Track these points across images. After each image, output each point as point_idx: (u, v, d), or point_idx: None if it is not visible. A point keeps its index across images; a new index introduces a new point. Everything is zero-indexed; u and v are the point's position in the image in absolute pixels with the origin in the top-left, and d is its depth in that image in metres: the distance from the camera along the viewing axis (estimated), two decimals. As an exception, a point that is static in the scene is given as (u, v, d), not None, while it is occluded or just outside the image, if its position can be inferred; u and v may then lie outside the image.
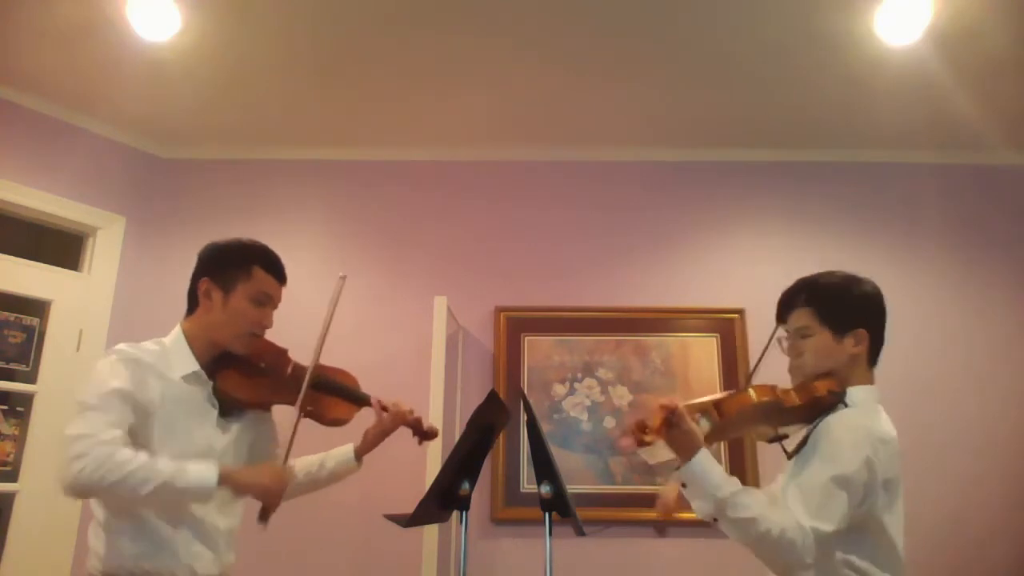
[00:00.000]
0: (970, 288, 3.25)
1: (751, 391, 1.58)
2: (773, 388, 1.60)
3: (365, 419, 2.00)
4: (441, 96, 3.05)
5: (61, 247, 3.16)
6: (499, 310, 3.23)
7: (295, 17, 2.58)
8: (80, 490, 1.54)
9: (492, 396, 1.66)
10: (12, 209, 2.98)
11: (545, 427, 2.98)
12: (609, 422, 3.10)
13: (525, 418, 2.07)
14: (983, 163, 3.39)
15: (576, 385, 3.15)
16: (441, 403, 2.68)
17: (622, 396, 3.13)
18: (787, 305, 1.72)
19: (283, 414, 1.89)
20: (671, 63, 2.81)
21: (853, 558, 1.48)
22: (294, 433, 1.80)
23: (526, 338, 3.20)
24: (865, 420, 1.55)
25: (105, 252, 3.18)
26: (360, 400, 1.97)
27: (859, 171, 3.41)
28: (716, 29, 2.62)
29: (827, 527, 1.42)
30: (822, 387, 1.59)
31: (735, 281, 3.26)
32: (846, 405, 1.60)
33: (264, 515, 1.71)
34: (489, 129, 3.32)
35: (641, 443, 1.48)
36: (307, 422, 1.88)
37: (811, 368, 1.64)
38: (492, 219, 3.39)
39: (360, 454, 2.01)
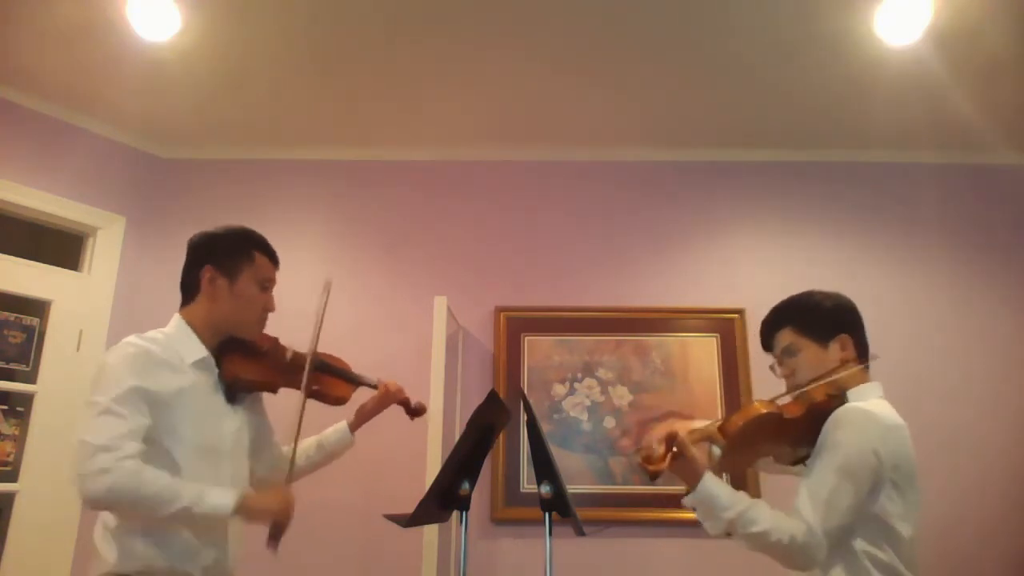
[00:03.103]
0: (969, 288, 3.26)
1: (751, 406, 1.59)
2: (772, 401, 1.61)
3: (357, 399, 2.05)
4: (441, 96, 3.05)
5: (61, 247, 3.16)
6: (499, 310, 3.23)
7: (295, 17, 2.58)
8: (103, 505, 1.56)
9: (492, 396, 1.67)
10: (12, 209, 2.98)
11: (545, 427, 2.98)
12: (609, 422, 3.10)
13: (525, 418, 2.08)
14: (982, 163, 3.39)
15: (576, 385, 3.15)
16: (441, 403, 2.68)
17: (622, 396, 3.13)
18: (769, 330, 1.78)
19: (286, 399, 1.90)
20: (671, 64, 2.81)
21: (873, 548, 1.49)
22: (302, 415, 1.82)
23: (526, 338, 3.20)
24: (870, 409, 1.56)
25: (105, 252, 3.18)
26: (359, 381, 2.03)
27: (859, 171, 3.41)
28: (716, 30, 2.62)
29: (832, 522, 1.46)
30: (819, 393, 1.61)
31: (735, 281, 3.26)
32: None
33: (275, 537, 1.69)
34: (489, 129, 3.32)
35: (653, 475, 1.51)
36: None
37: (806, 383, 1.66)
38: (492, 219, 3.39)
39: (353, 429, 2.06)
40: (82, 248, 3.20)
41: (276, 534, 1.69)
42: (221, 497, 1.60)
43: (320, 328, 1.90)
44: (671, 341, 3.19)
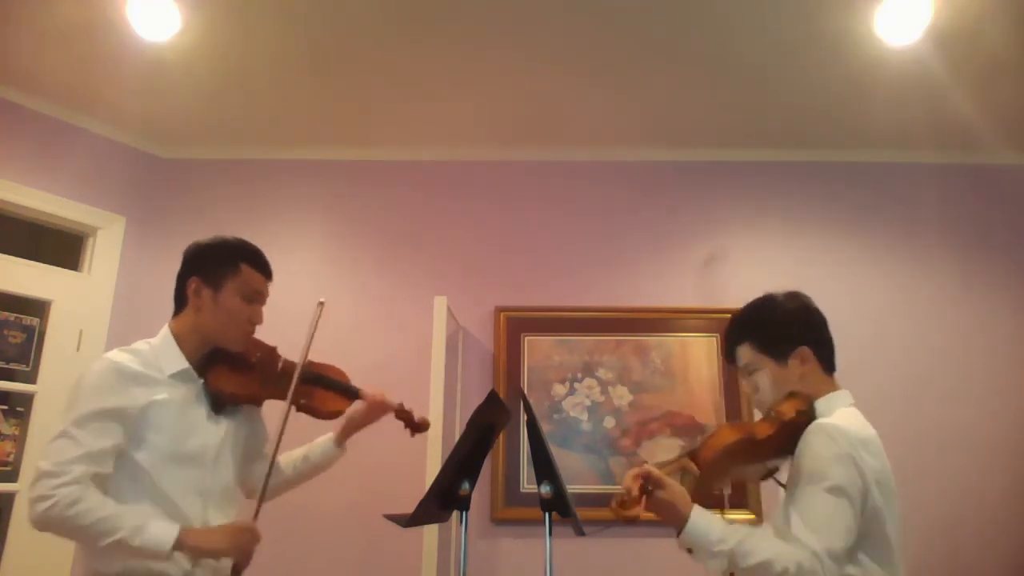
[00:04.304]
0: (969, 288, 3.26)
1: (721, 432, 1.56)
2: (743, 423, 1.60)
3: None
4: (441, 96, 3.05)
5: (61, 247, 3.16)
6: (499, 310, 3.23)
7: (295, 17, 2.58)
8: (43, 529, 1.57)
9: (492, 396, 1.66)
10: (12, 209, 2.98)
11: (545, 427, 2.98)
12: (609, 422, 3.10)
13: (525, 418, 2.07)
14: (982, 163, 3.39)
15: (576, 385, 3.15)
16: (441, 403, 2.68)
17: (622, 396, 3.13)
18: (729, 346, 1.75)
19: (277, 410, 1.87)
20: (671, 64, 2.81)
21: (853, 570, 1.45)
22: (283, 426, 1.79)
23: (526, 338, 3.20)
24: (839, 424, 1.51)
25: (105, 252, 3.19)
26: (351, 393, 1.98)
27: (859, 171, 3.41)
28: (716, 29, 2.62)
29: (838, 543, 1.39)
30: (789, 410, 1.57)
31: (735, 281, 3.26)
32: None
33: (236, 572, 1.66)
34: (489, 129, 3.32)
35: (628, 519, 1.41)
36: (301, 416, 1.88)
37: (770, 399, 1.64)
38: (492, 219, 3.39)
39: (340, 440, 2.02)
40: (82, 248, 3.20)
41: (236, 570, 1.65)
42: (161, 532, 1.56)
43: (311, 342, 1.86)
44: (671, 341, 3.19)
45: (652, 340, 3.19)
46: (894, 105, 3.01)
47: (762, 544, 1.40)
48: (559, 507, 1.66)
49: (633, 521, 1.41)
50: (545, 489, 1.65)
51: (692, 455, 1.52)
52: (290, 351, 1.96)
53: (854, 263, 3.29)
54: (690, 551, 1.44)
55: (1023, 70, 2.77)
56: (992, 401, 3.10)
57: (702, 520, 1.42)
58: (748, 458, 1.59)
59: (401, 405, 2.02)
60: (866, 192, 3.39)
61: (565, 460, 3.01)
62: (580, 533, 1.65)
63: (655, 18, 2.57)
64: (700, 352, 3.17)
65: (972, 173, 3.40)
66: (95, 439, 1.59)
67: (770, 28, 2.60)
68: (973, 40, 2.60)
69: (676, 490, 1.44)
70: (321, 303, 1.90)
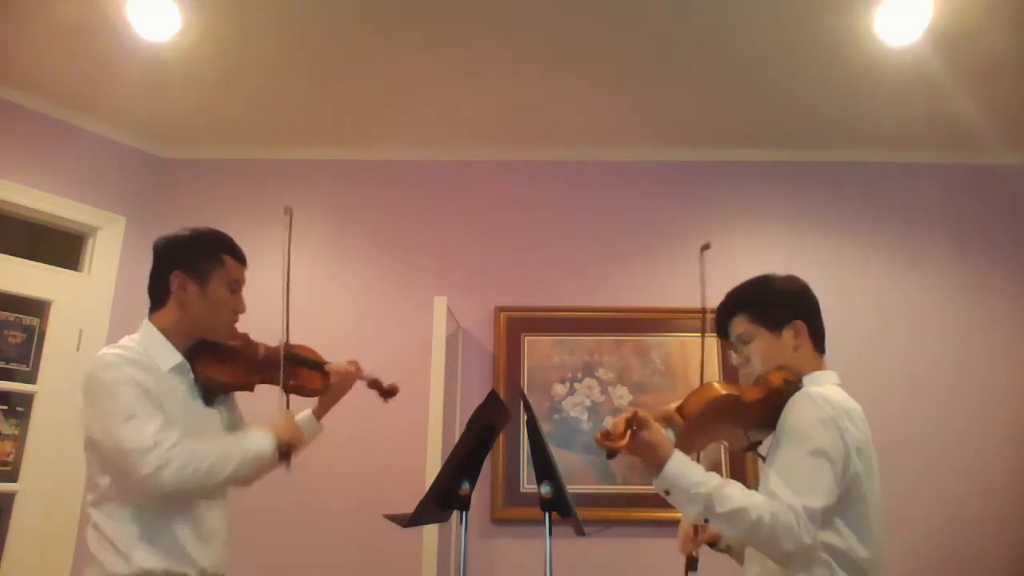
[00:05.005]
0: (969, 287, 3.25)
1: (709, 387, 1.59)
2: (730, 383, 1.62)
3: (356, 396, 2.04)
4: (441, 96, 3.05)
5: (61, 247, 3.16)
6: (499, 310, 3.22)
7: (294, 17, 2.58)
8: (173, 494, 1.61)
9: (492, 396, 1.67)
10: (12, 209, 2.98)
11: (545, 427, 2.98)
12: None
13: (525, 418, 2.08)
14: (982, 163, 3.39)
15: (576, 385, 3.15)
16: (441, 403, 2.68)
17: (622, 396, 3.13)
18: (723, 319, 1.76)
19: (262, 395, 1.90)
20: (670, 64, 2.81)
21: (830, 538, 1.44)
22: (287, 407, 1.85)
23: (526, 338, 3.20)
24: (824, 393, 1.53)
25: (105, 252, 3.18)
26: (321, 368, 1.99)
27: (859, 171, 3.41)
28: (715, 29, 2.62)
29: (816, 502, 1.39)
30: (777, 378, 1.60)
31: (735, 281, 3.23)
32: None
33: (287, 457, 1.76)
34: (488, 129, 3.31)
35: (611, 452, 1.45)
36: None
37: (761, 370, 1.65)
38: (492, 219, 3.39)
39: (319, 416, 2.03)
40: (82, 248, 3.20)
41: (289, 453, 1.77)
42: (261, 442, 1.71)
43: (288, 315, 1.89)
44: (671, 341, 3.19)
45: (652, 340, 3.19)
46: (894, 105, 3.01)
47: (739, 492, 1.41)
48: (559, 507, 1.66)
49: (612, 454, 1.44)
50: (545, 489, 1.65)
51: (679, 407, 1.57)
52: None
53: (854, 263, 3.29)
54: (667, 493, 1.45)
55: (1023, 70, 2.77)
56: (992, 401, 3.09)
57: (681, 462, 1.45)
58: (732, 419, 1.62)
59: (371, 375, 2.05)
60: (866, 192, 3.38)
61: (565, 460, 3.01)
62: (580, 533, 1.65)
63: (654, 18, 2.56)
64: (700, 352, 3.16)
65: (972, 173, 3.40)
66: (156, 412, 1.63)
67: (770, 29, 2.60)
68: (973, 40, 2.60)
69: (659, 433, 1.48)
70: (288, 210, 1.91)
